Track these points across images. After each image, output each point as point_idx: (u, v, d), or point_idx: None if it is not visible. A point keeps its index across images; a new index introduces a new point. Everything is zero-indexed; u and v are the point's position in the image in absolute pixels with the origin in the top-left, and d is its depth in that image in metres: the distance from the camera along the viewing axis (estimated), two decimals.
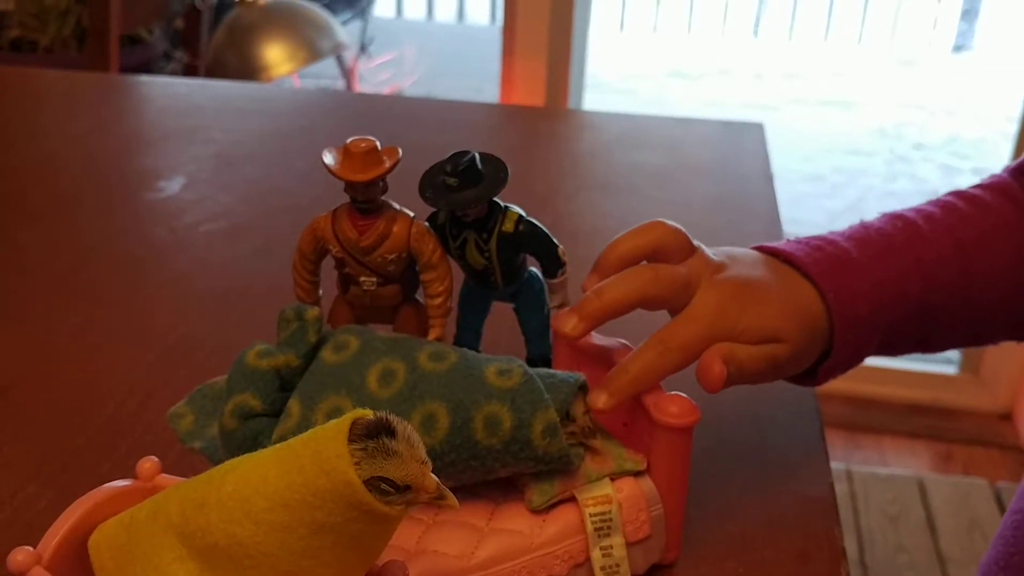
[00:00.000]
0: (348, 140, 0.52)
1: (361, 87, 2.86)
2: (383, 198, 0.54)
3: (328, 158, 0.52)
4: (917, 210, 0.65)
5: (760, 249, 0.61)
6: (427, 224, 0.55)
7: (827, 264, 0.59)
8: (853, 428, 2.14)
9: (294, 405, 0.47)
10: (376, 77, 3.05)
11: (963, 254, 0.62)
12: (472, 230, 0.55)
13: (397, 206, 0.54)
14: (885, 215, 0.65)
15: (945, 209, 0.65)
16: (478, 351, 0.60)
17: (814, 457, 0.62)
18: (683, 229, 0.58)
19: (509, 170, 0.54)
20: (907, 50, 5.10)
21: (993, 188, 0.67)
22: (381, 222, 0.53)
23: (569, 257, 0.56)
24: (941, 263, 0.62)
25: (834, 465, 1.97)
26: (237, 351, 0.50)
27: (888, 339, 0.62)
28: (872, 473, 1.96)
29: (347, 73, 2.65)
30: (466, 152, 0.53)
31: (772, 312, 0.55)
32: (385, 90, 2.95)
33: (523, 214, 0.55)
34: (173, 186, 1.02)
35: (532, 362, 0.60)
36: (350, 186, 0.52)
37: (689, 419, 0.48)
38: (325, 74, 3.14)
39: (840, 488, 1.91)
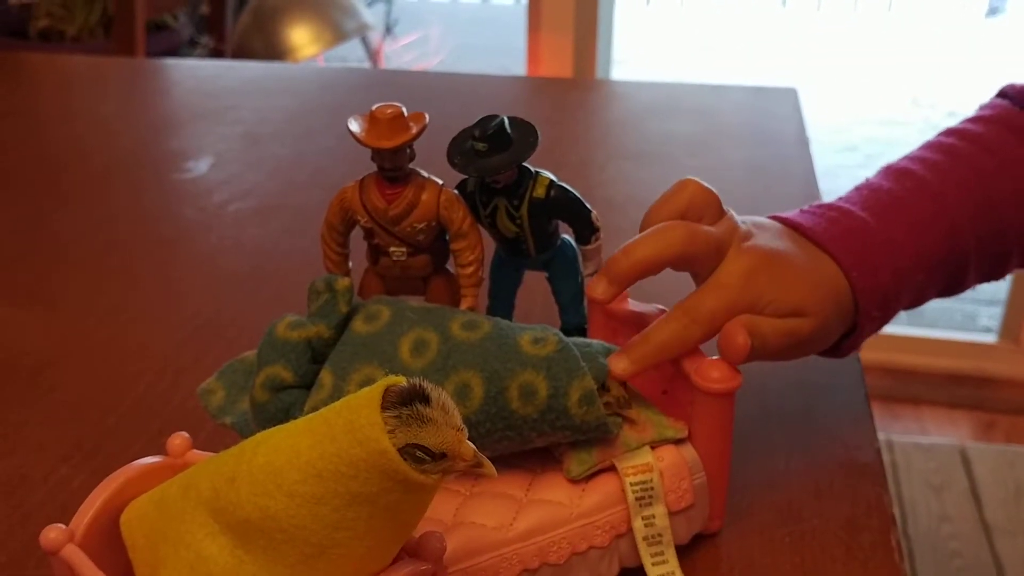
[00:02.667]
0: (374, 107, 0.51)
1: (386, 67, 2.85)
2: (411, 166, 0.52)
3: (354, 125, 0.51)
4: (920, 160, 0.62)
5: (776, 219, 0.59)
6: (456, 192, 0.54)
7: (846, 239, 0.57)
8: (892, 399, 2.11)
9: (326, 376, 0.46)
10: (401, 58, 3.04)
11: (974, 201, 0.60)
12: (502, 197, 0.53)
13: (425, 174, 0.53)
14: (889, 171, 0.62)
15: (950, 155, 0.62)
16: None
17: (860, 423, 0.60)
18: (714, 190, 0.56)
19: (539, 134, 0.52)
20: (939, 15, 5.01)
21: (993, 121, 0.64)
22: (409, 190, 0.52)
23: (610, 225, 0.55)
24: (954, 216, 0.59)
25: None
26: (267, 328, 0.49)
27: (911, 303, 0.60)
28: (914, 443, 1.93)
29: (372, 54, 2.64)
30: (495, 116, 0.52)
31: (798, 285, 0.53)
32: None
33: (554, 179, 0.54)
34: (201, 166, 1.02)
35: (567, 332, 0.58)
36: (377, 154, 0.51)
37: (731, 384, 0.47)
38: (351, 56, 3.13)
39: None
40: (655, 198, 0.56)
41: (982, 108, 0.66)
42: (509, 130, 0.52)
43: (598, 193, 0.90)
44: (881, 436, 1.95)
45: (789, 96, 1.09)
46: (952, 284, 0.62)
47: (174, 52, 2.31)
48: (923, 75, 4.23)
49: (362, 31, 2.37)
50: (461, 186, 0.55)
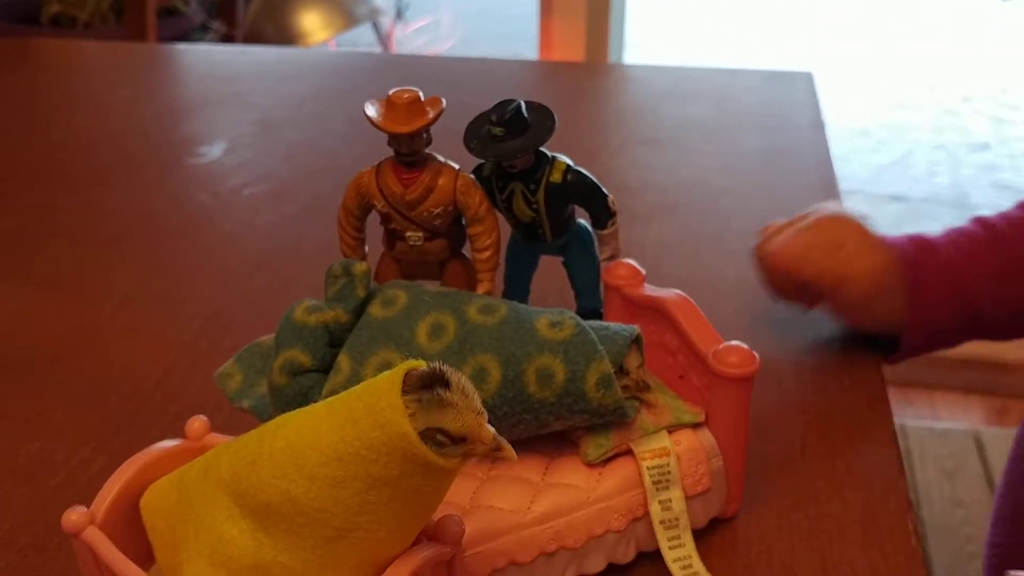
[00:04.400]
0: (390, 91, 0.51)
1: (398, 52, 2.85)
2: (427, 150, 0.52)
3: (371, 110, 0.51)
4: (1002, 215, 0.68)
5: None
6: (473, 176, 0.54)
7: (905, 238, 0.65)
8: (904, 384, 2.11)
9: (344, 360, 0.47)
10: (412, 43, 3.04)
11: None
12: (519, 181, 0.53)
13: (442, 158, 0.53)
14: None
15: None
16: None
17: (877, 408, 0.60)
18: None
19: (556, 118, 0.52)
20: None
21: None
22: (426, 175, 0.52)
23: (625, 209, 0.55)
24: (1015, 250, 0.65)
25: None
26: (284, 312, 0.50)
27: (975, 315, 0.64)
28: (927, 428, 1.92)
29: (383, 39, 2.63)
30: (512, 100, 0.52)
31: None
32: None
33: (571, 163, 0.54)
34: (215, 151, 1.02)
35: (583, 316, 0.58)
36: (393, 138, 0.51)
37: (748, 368, 0.47)
38: (362, 41, 3.12)
39: None
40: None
41: None
42: (526, 114, 0.51)
43: (612, 178, 0.90)
44: (895, 421, 1.95)
45: (804, 80, 1.08)
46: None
47: (185, 37, 2.30)
48: (938, 60, 4.19)
49: (373, 16, 2.37)
50: (477, 170, 0.55)
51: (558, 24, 2.14)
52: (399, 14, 3.23)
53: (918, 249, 0.65)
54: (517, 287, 0.59)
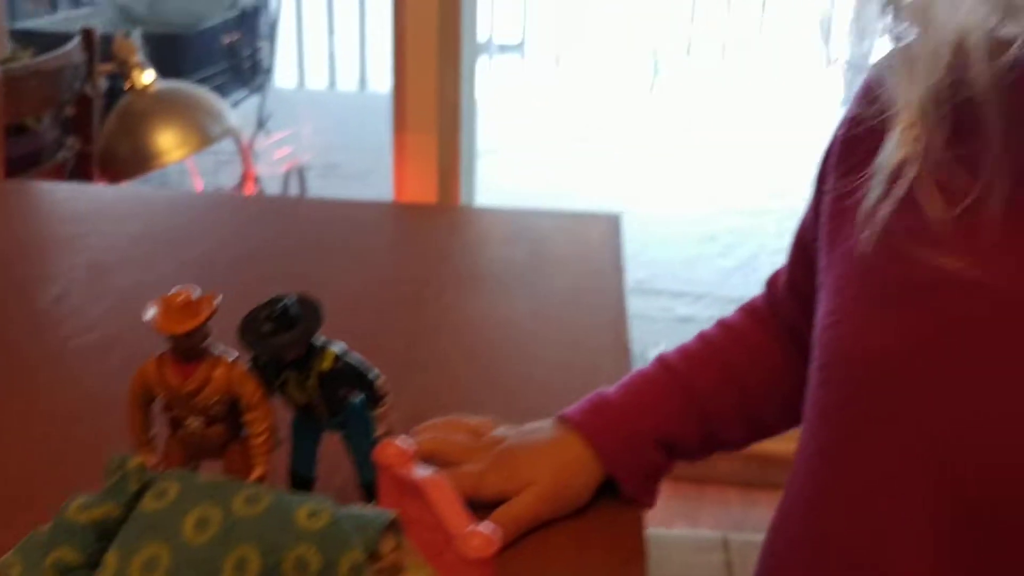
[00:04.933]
0: (170, 291, 0.55)
1: (257, 165, 2.89)
2: (205, 343, 0.56)
3: (150, 312, 0.55)
4: (679, 349, 0.75)
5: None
6: (249, 365, 0.58)
7: (585, 405, 0.70)
8: (749, 485, 2.19)
9: (111, 557, 0.50)
10: (273, 154, 3.09)
11: (712, 373, 0.73)
12: (292, 369, 0.58)
13: (220, 349, 0.57)
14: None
15: (703, 341, 0.75)
16: (312, 478, 0.63)
17: (633, 565, 0.65)
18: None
19: (323, 312, 0.57)
20: (796, 104, 5.26)
21: (748, 310, 0.78)
22: (203, 368, 0.56)
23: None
24: (691, 381, 0.72)
25: (710, 534, 2.01)
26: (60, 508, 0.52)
27: (670, 442, 0.70)
28: (748, 541, 1.98)
29: (242, 152, 2.67)
30: (281, 298, 0.57)
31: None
32: (282, 167, 2.98)
33: (340, 352, 0.58)
34: (46, 298, 1.03)
35: (363, 487, 0.63)
36: (170, 336, 0.55)
37: (488, 551, 0.51)
38: (223, 151, 3.16)
39: (716, 558, 1.96)
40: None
41: (755, 298, 0.80)
42: (295, 311, 0.56)
43: (435, 319, 0.94)
44: (718, 535, 2.00)
45: (611, 223, 1.17)
46: (711, 437, 0.72)
47: (38, 156, 2.30)
48: (783, 166, 4.42)
49: (228, 134, 2.41)
50: (255, 358, 0.59)
51: (412, 139, 2.22)
52: (260, 124, 3.28)
53: (588, 413, 0.69)
54: (302, 461, 0.63)
